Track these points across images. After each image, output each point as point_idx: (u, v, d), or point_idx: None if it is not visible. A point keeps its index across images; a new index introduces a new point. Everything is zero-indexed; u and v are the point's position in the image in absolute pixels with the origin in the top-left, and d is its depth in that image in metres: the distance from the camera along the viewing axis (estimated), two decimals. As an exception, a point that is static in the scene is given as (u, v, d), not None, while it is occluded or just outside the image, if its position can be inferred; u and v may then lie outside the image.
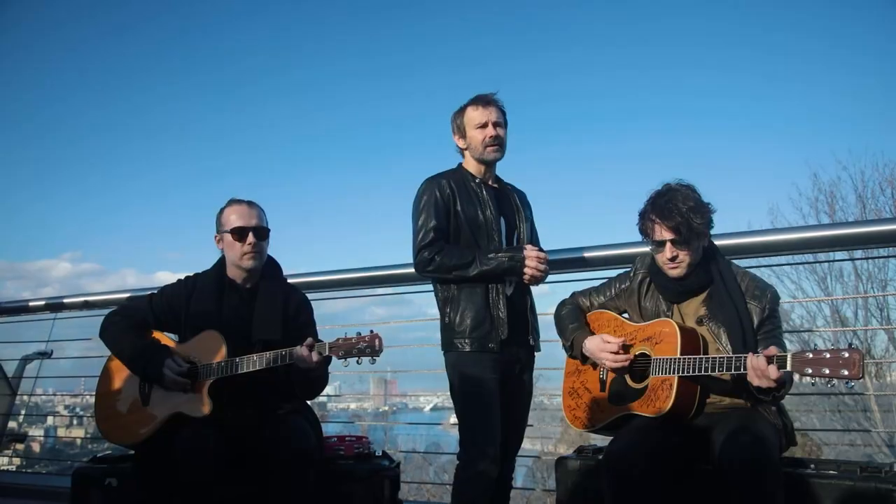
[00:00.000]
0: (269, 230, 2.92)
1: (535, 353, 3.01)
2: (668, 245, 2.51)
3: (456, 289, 2.86)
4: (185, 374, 2.71)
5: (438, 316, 2.96)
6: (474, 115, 2.95)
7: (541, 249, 2.91)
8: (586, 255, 3.45)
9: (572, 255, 3.48)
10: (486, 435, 2.75)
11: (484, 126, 2.92)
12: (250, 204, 2.92)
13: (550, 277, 3.76)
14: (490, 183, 3.02)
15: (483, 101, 2.96)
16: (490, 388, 2.78)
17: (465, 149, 3.00)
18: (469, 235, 2.89)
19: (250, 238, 2.83)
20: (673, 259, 2.51)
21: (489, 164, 3.01)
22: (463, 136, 2.99)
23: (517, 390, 2.91)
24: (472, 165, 3.01)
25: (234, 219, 2.86)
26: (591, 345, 2.65)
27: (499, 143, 2.95)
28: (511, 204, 3.04)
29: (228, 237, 2.85)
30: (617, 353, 2.57)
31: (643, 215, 2.60)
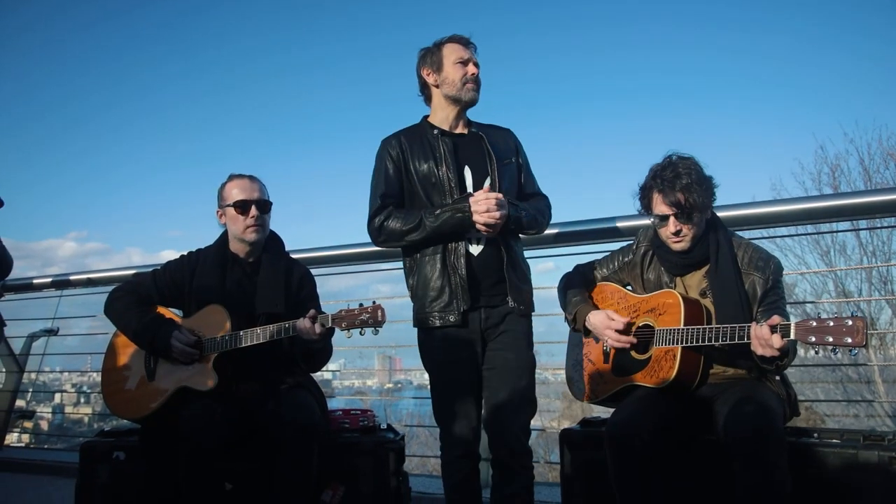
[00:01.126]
0: (271, 203, 2.92)
1: (529, 315, 2.67)
2: (672, 219, 2.50)
3: (418, 256, 2.62)
4: (193, 344, 2.72)
5: None
6: (454, 51, 2.69)
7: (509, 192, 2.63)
8: (590, 227, 3.44)
9: (576, 229, 3.47)
10: (453, 429, 2.57)
11: (464, 63, 2.67)
12: (251, 178, 2.92)
13: (555, 251, 3.76)
14: (458, 130, 2.73)
15: (464, 40, 2.72)
16: (458, 373, 2.57)
17: (436, 85, 2.71)
18: (422, 196, 2.63)
19: (253, 211, 2.83)
20: (677, 233, 2.50)
21: (462, 107, 2.72)
22: (437, 70, 2.69)
23: (498, 359, 2.57)
24: (438, 113, 2.74)
25: (237, 192, 2.86)
26: (596, 320, 2.64)
27: (478, 85, 2.69)
28: (481, 150, 2.70)
29: (231, 211, 2.85)
30: (621, 332, 2.57)
31: (645, 189, 2.59)
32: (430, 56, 2.72)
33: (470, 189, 2.61)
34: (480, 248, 2.59)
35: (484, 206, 2.46)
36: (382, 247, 2.76)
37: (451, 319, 2.53)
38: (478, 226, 2.49)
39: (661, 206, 2.51)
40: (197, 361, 2.74)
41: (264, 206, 2.88)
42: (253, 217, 2.83)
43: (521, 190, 2.77)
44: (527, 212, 2.64)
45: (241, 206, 2.84)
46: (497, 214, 2.47)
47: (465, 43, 2.71)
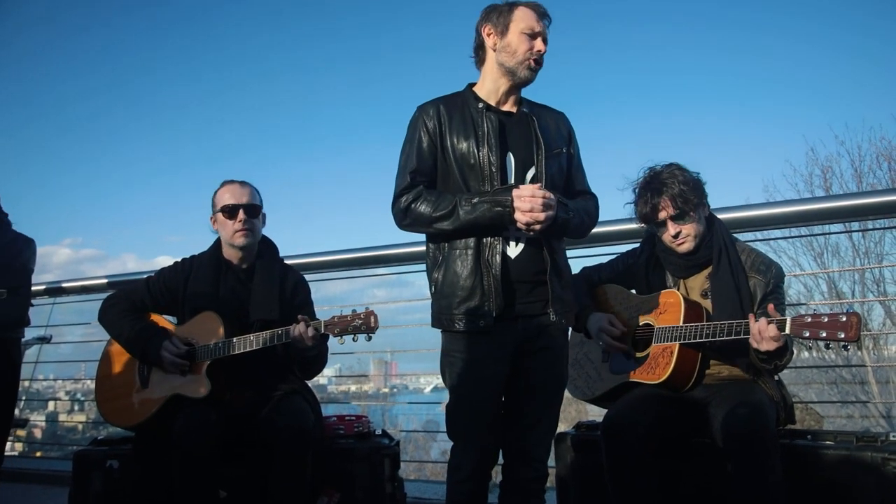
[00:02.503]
0: (260, 207, 2.92)
1: (568, 330, 2.43)
2: (669, 223, 2.53)
3: (447, 247, 2.29)
4: (184, 355, 2.72)
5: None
6: (527, 18, 2.31)
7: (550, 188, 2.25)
8: (595, 231, 3.44)
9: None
10: (469, 450, 2.29)
11: (534, 36, 2.31)
12: (242, 183, 2.92)
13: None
14: (506, 107, 2.39)
15: (541, 9, 2.35)
16: (484, 389, 2.26)
17: (494, 49, 2.34)
18: (458, 178, 2.29)
19: (241, 215, 2.83)
20: (677, 235, 2.54)
21: (516, 83, 2.36)
22: (502, 32, 2.32)
23: (537, 378, 2.30)
24: (487, 82, 2.38)
25: (227, 197, 2.87)
26: (593, 323, 2.68)
27: (540, 64, 2.34)
28: (529, 134, 2.35)
29: (220, 216, 2.86)
30: (613, 342, 2.62)
31: (637, 202, 2.64)
32: (498, 14, 2.35)
33: (512, 178, 2.30)
34: (520, 248, 2.28)
35: (528, 203, 2.14)
36: (407, 230, 2.38)
37: (481, 324, 2.21)
38: (519, 224, 2.18)
39: (655, 213, 2.56)
40: (190, 369, 2.73)
41: (252, 210, 2.87)
42: (241, 221, 2.83)
43: (568, 185, 2.44)
44: (576, 213, 2.32)
45: (230, 211, 2.84)
46: (542, 216, 2.15)
47: (541, 14, 2.35)
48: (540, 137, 2.34)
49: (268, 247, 3.01)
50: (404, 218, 2.31)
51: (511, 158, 2.32)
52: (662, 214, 2.54)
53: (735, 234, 2.87)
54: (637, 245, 2.86)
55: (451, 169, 2.30)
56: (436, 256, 2.34)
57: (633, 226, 3.16)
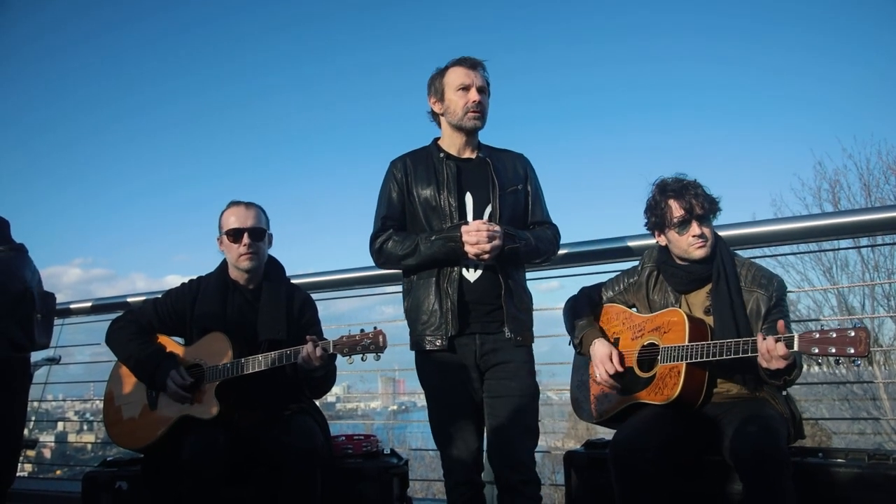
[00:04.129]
0: (265, 230, 2.93)
1: (529, 346, 2.62)
2: (694, 223, 2.53)
3: (415, 278, 2.63)
4: (188, 387, 2.72)
5: None
6: (456, 77, 2.62)
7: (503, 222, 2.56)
8: (595, 248, 3.45)
9: (580, 250, 3.48)
10: (452, 454, 2.53)
11: (466, 89, 2.60)
12: (248, 205, 2.94)
13: (560, 272, 3.76)
14: (465, 155, 2.69)
15: (468, 62, 2.64)
16: (454, 398, 2.55)
17: (442, 114, 2.68)
18: (423, 220, 2.62)
19: (245, 239, 2.85)
20: (701, 236, 2.53)
21: (468, 134, 2.67)
22: (440, 98, 2.66)
23: (501, 387, 2.52)
24: (446, 137, 2.71)
25: (232, 220, 2.89)
26: (597, 350, 2.64)
27: (481, 111, 2.62)
28: (486, 176, 2.64)
29: (226, 239, 2.88)
30: (608, 379, 2.60)
31: (655, 204, 2.63)
32: (434, 84, 2.69)
33: (470, 216, 2.59)
34: (478, 273, 2.57)
35: (475, 237, 2.44)
36: (383, 268, 2.78)
37: (438, 344, 2.52)
38: (469, 255, 2.47)
39: (679, 212, 2.55)
40: (199, 389, 2.73)
41: (257, 233, 2.89)
42: (245, 245, 2.85)
43: (527, 218, 2.72)
44: (527, 242, 2.58)
45: (234, 234, 2.86)
46: (487, 246, 2.44)
47: (471, 65, 2.64)
48: (495, 178, 2.64)
49: (274, 267, 3.02)
50: (379, 257, 2.67)
51: (469, 199, 2.62)
52: (688, 213, 2.53)
53: (743, 250, 2.87)
54: (636, 262, 2.84)
55: (417, 212, 2.64)
56: (407, 287, 2.69)
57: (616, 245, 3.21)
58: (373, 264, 2.75)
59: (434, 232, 2.54)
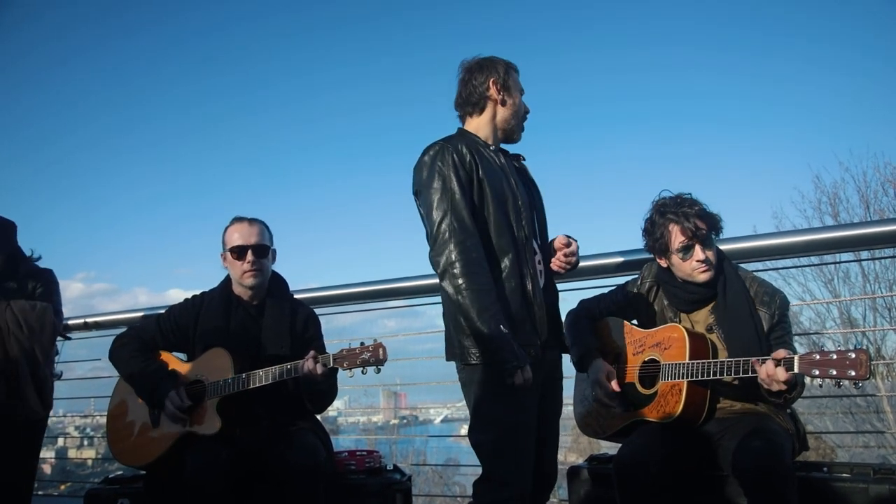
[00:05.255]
0: (269, 247, 2.93)
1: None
2: (698, 247, 2.50)
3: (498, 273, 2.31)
4: (186, 410, 2.71)
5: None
6: (518, 82, 2.53)
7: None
8: (595, 262, 3.45)
9: (581, 264, 3.47)
10: (521, 471, 2.25)
11: (522, 97, 2.54)
12: (251, 222, 2.94)
13: (561, 286, 3.76)
14: (504, 152, 2.53)
15: (517, 69, 2.56)
16: (531, 416, 2.28)
17: (501, 105, 2.46)
18: (499, 213, 2.31)
19: (249, 256, 2.85)
20: (705, 260, 2.50)
21: (504, 138, 2.52)
22: (509, 92, 2.47)
23: (554, 396, 2.46)
24: (482, 128, 2.48)
25: (235, 237, 2.89)
26: (594, 371, 2.61)
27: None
28: (525, 178, 2.52)
29: (230, 256, 2.89)
30: (604, 399, 2.57)
31: (656, 228, 2.59)
32: (507, 73, 2.48)
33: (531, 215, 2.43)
34: (543, 279, 2.43)
35: (563, 261, 2.44)
36: (447, 286, 2.25)
37: (532, 353, 2.25)
38: (554, 267, 2.45)
39: (681, 238, 2.52)
40: (200, 406, 2.73)
41: (261, 250, 2.89)
42: (249, 262, 2.85)
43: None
44: None
45: (238, 252, 2.86)
46: (573, 261, 2.45)
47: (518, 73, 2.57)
48: (535, 182, 2.54)
49: (278, 283, 3.02)
50: (455, 279, 2.20)
51: (526, 198, 2.43)
52: (692, 238, 2.50)
53: (744, 264, 2.86)
54: (636, 275, 2.83)
55: (487, 203, 2.32)
56: None
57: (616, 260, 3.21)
58: (375, 279, 2.72)
59: (505, 333, 2.15)
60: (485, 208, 2.32)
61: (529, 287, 2.30)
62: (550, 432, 2.44)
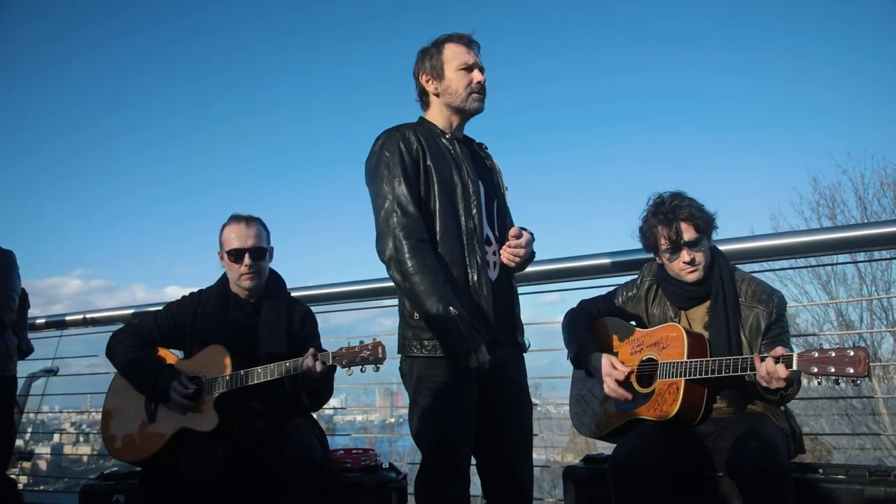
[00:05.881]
0: (266, 249, 2.92)
1: (525, 355, 2.50)
2: (685, 249, 2.52)
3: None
4: (191, 396, 2.72)
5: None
6: (457, 55, 2.38)
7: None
8: (593, 262, 3.45)
9: (579, 264, 3.48)
10: (458, 464, 2.25)
11: (468, 69, 2.37)
12: (248, 222, 2.91)
13: (560, 286, 3.77)
14: (461, 140, 2.46)
15: (466, 39, 2.40)
16: (469, 412, 2.25)
17: (436, 94, 2.41)
18: (437, 200, 2.28)
19: (246, 259, 2.84)
20: (691, 262, 2.52)
21: (464, 117, 2.44)
22: (438, 77, 2.38)
23: (510, 397, 2.37)
24: (440, 117, 2.43)
25: (232, 239, 2.88)
26: (599, 365, 2.60)
27: (483, 93, 2.41)
28: (487, 166, 2.49)
29: (227, 258, 2.88)
30: (618, 388, 2.53)
31: (647, 229, 2.61)
32: (430, 59, 2.42)
33: (483, 205, 2.37)
34: (497, 272, 2.37)
35: (511, 252, 2.34)
36: (393, 279, 2.26)
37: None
38: (504, 259, 2.36)
39: (667, 241, 2.54)
40: (198, 402, 2.73)
41: (258, 253, 2.88)
42: (247, 266, 2.84)
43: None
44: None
45: (235, 255, 2.86)
46: (522, 252, 2.35)
47: (468, 43, 2.41)
48: (499, 169, 2.49)
49: (275, 281, 3.02)
50: (401, 266, 2.19)
51: (481, 186, 2.39)
52: (678, 240, 2.52)
53: (742, 264, 2.87)
54: (635, 276, 2.84)
55: (432, 192, 2.30)
56: None
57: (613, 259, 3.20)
58: (372, 277, 2.71)
59: (461, 317, 2.12)
60: (431, 196, 2.29)
61: (474, 277, 2.26)
62: (517, 437, 2.37)
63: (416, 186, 2.27)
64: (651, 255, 2.72)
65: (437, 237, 2.28)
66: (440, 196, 2.29)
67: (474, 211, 2.32)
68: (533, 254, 2.42)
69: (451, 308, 2.12)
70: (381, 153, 2.32)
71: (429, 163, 2.30)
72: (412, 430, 2.32)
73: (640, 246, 2.76)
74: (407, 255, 2.17)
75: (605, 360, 2.58)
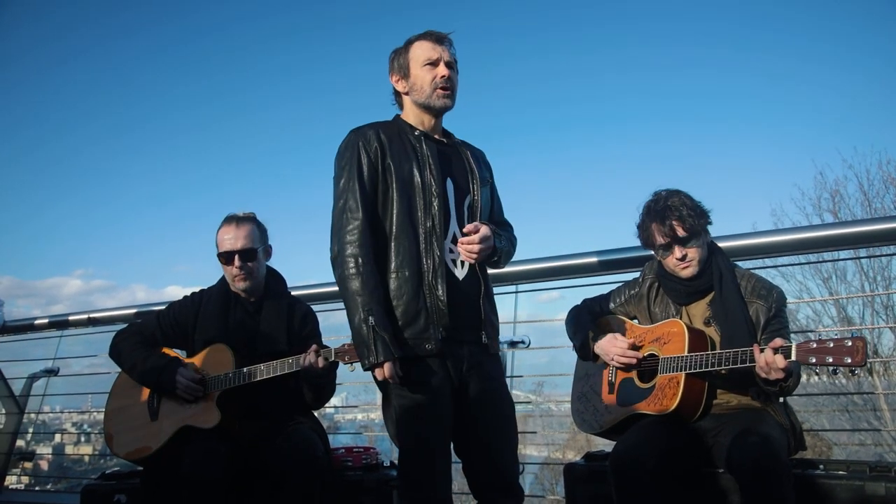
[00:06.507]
0: (256, 249, 2.90)
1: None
2: (676, 247, 2.54)
3: (392, 268, 2.28)
4: (198, 381, 2.74)
5: None
6: (423, 51, 2.38)
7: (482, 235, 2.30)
8: (596, 259, 3.45)
9: (582, 261, 3.48)
10: (434, 468, 2.23)
11: (434, 64, 2.37)
12: (239, 224, 2.91)
13: (562, 283, 3.76)
14: (436, 137, 2.45)
15: (434, 36, 2.41)
16: (441, 408, 2.23)
17: (406, 93, 2.43)
18: (396, 200, 2.29)
19: (236, 262, 2.85)
20: (683, 258, 2.54)
21: (436, 114, 2.43)
22: (405, 75, 2.41)
23: (483, 396, 2.32)
24: (412, 115, 2.44)
25: (223, 241, 2.89)
26: (602, 343, 2.66)
27: (451, 88, 2.39)
28: (462, 162, 2.46)
29: (219, 260, 2.90)
30: (625, 351, 2.58)
31: (642, 227, 2.65)
32: (398, 59, 2.44)
33: (452, 203, 2.37)
34: (465, 270, 2.36)
35: (464, 248, 2.31)
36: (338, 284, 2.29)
37: (429, 347, 2.22)
38: (463, 255, 2.32)
39: (660, 237, 2.56)
40: (200, 399, 2.74)
41: (248, 254, 2.87)
42: (237, 267, 2.85)
43: (491, 215, 2.55)
44: (506, 242, 2.47)
45: (225, 258, 2.87)
46: (476, 248, 2.30)
47: (437, 39, 2.41)
48: (474, 167, 2.45)
49: (276, 280, 3.03)
50: (344, 267, 2.24)
51: (451, 184, 2.39)
52: (669, 237, 2.54)
53: (743, 261, 2.87)
54: (637, 274, 2.85)
55: (390, 191, 2.31)
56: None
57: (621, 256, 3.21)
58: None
59: (377, 329, 2.14)
60: (388, 195, 2.31)
61: (429, 277, 2.25)
62: (493, 436, 2.33)
63: (371, 187, 2.30)
64: (628, 257, 2.75)
65: (392, 237, 2.29)
66: (398, 195, 2.30)
67: (435, 209, 2.30)
68: (495, 248, 2.37)
69: (370, 317, 2.15)
70: (343, 153, 2.36)
71: (388, 162, 2.32)
72: (388, 431, 2.32)
73: (637, 243, 2.78)
74: (346, 258, 2.22)
75: (607, 336, 2.64)
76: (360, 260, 2.21)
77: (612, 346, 2.63)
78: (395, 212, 2.30)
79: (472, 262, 2.34)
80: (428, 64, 2.37)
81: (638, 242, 2.74)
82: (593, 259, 3.44)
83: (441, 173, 2.35)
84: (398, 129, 2.41)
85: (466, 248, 2.30)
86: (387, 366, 2.15)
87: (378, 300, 2.19)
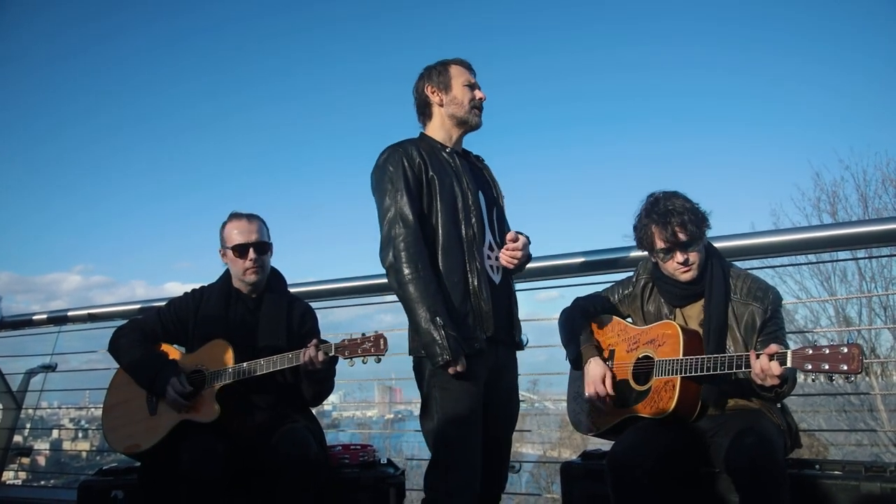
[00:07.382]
0: (269, 244, 2.96)
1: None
2: (678, 251, 2.52)
3: (442, 269, 2.43)
4: (187, 395, 2.73)
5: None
6: (461, 73, 2.62)
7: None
8: (589, 259, 3.45)
9: (574, 260, 3.48)
10: (468, 458, 2.35)
11: (472, 87, 2.61)
12: (250, 218, 2.96)
13: (558, 282, 3.77)
14: (459, 153, 2.65)
15: (468, 65, 2.66)
16: (479, 409, 2.39)
17: (441, 104, 2.61)
18: (447, 212, 2.45)
19: (251, 254, 2.87)
20: (685, 262, 2.52)
21: (464, 130, 2.64)
22: (445, 90, 2.60)
23: (504, 398, 2.54)
24: (440, 130, 2.63)
25: (235, 235, 2.90)
26: (591, 371, 2.61)
27: (482, 111, 2.64)
28: (486, 177, 2.70)
29: (231, 253, 2.90)
30: (603, 389, 2.56)
31: (641, 229, 2.61)
32: (437, 74, 2.63)
33: (484, 215, 2.55)
34: (500, 276, 2.55)
35: (508, 255, 2.51)
36: (391, 283, 2.43)
37: (476, 346, 2.37)
38: (502, 261, 2.52)
39: (662, 241, 2.54)
40: (199, 394, 2.75)
41: (262, 247, 2.92)
42: (251, 260, 2.87)
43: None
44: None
45: (240, 250, 2.88)
46: (519, 255, 2.51)
47: (470, 68, 2.66)
48: (495, 180, 2.70)
49: (276, 278, 3.05)
50: (399, 274, 2.36)
51: (481, 196, 2.57)
52: (672, 241, 2.52)
53: (741, 261, 2.86)
54: (630, 273, 2.84)
55: (435, 203, 2.46)
56: None
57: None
58: (371, 273, 2.75)
59: (446, 328, 2.27)
60: (433, 207, 2.46)
61: (475, 283, 2.42)
62: (502, 437, 2.55)
63: (417, 200, 2.44)
64: (617, 257, 2.74)
65: (440, 247, 2.44)
66: (442, 207, 2.46)
67: (474, 220, 2.49)
68: (529, 256, 2.59)
69: (437, 318, 2.28)
70: (385, 167, 2.48)
71: (431, 174, 2.47)
72: (424, 427, 2.43)
73: (632, 244, 2.77)
74: (403, 265, 2.34)
75: (601, 370, 2.59)
76: (418, 265, 2.34)
77: (594, 383, 2.58)
78: (440, 222, 2.45)
79: (512, 267, 2.54)
80: (467, 85, 2.60)
81: (631, 243, 2.73)
82: (582, 259, 3.44)
83: (474, 186, 2.54)
84: (429, 145, 2.57)
85: (510, 255, 2.51)
86: (461, 362, 2.29)
87: (441, 302, 2.33)
